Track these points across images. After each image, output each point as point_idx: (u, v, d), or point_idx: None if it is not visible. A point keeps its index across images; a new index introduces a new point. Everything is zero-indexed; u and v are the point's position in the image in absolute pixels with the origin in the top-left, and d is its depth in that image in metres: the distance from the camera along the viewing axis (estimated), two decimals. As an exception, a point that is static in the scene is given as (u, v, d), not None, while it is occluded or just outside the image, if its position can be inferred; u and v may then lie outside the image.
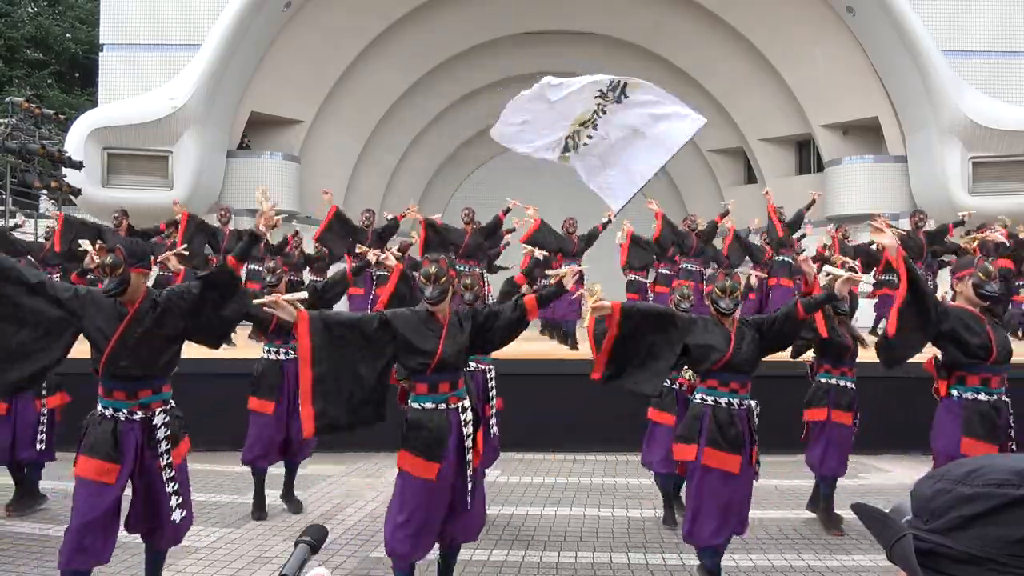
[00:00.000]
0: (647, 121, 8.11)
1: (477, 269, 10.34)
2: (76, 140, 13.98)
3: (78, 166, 12.91)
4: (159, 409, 4.15)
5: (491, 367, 6.30)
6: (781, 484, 7.37)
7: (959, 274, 4.77)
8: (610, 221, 10.57)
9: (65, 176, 13.05)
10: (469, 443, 4.19)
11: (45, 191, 13.14)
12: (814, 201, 11.34)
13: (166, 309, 4.08)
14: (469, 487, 4.19)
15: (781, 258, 11.45)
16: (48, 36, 25.18)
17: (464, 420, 4.20)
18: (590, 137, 7.93)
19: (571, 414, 8.73)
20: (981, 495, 0.80)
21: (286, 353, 6.19)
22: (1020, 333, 11.36)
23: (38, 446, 6.22)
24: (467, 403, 4.26)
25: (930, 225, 11.39)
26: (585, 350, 9.34)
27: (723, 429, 4.49)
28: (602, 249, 11.48)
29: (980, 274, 4.57)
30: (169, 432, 4.15)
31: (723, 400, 4.56)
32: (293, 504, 6.48)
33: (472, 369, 5.93)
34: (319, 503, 6.76)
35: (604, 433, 8.18)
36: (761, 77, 17.53)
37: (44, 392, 6.29)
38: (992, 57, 15.71)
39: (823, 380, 5.98)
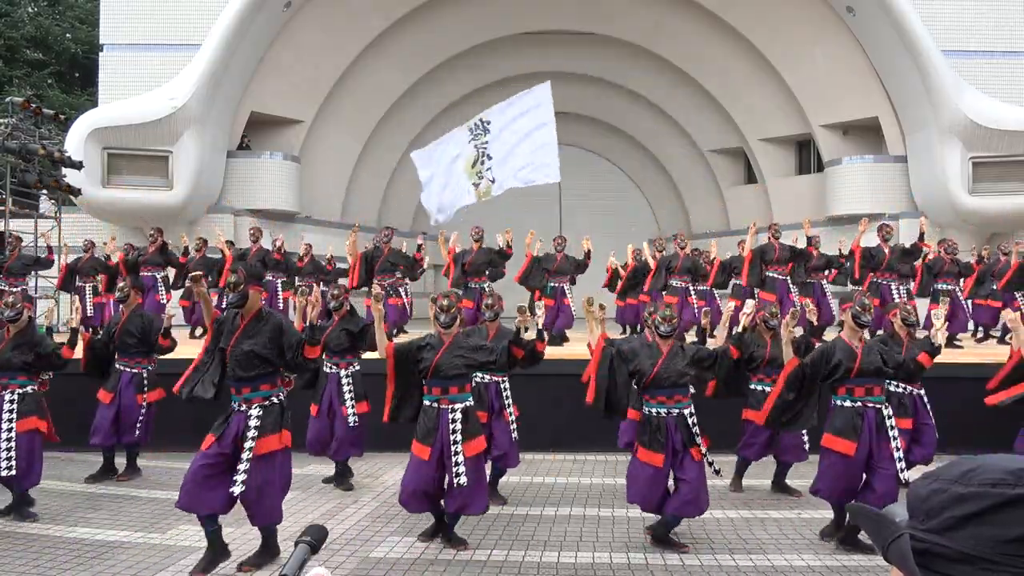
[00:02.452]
0: (517, 123, 9.31)
1: (485, 285, 10.68)
2: (76, 140, 13.98)
3: (78, 166, 12.91)
4: (256, 404, 5.09)
5: (504, 378, 6.82)
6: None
7: (844, 306, 5.80)
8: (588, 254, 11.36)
9: (65, 176, 13.04)
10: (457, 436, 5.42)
11: (45, 191, 13.13)
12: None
13: (271, 333, 5.12)
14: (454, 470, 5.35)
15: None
16: (48, 36, 25.17)
17: (452, 419, 5.42)
18: (489, 162, 9.11)
19: (571, 414, 8.73)
20: (976, 494, 0.80)
21: (330, 369, 7.28)
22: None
23: (137, 432, 7.47)
24: (458, 406, 5.45)
25: (920, 228, 11.58)
26: (580, 350, 9.35)
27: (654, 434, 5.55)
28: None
29: (858, 307, 5.60)
30: (259, 423, 5.04)
31: (653, 411, 5.56)
32: (344, 483, 7.32)
33: (486, 381, 6.68)
34: (319, 503, 6.77)
35: (604, 433, 8.17)
36: (761, 77, 17.53)
37: (145, 388, 7.53)
38: (992, 57, 15.71)
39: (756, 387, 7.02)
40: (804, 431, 6.67)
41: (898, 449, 5.51)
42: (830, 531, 5.79)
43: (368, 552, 5.48)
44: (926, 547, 0.81)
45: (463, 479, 5.32)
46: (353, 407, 7.14)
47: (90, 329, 12.05)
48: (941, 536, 0.81)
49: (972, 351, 10.67)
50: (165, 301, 11.76)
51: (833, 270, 11.81)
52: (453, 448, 5.37)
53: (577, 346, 10.57)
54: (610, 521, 6.28)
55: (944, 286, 11.14)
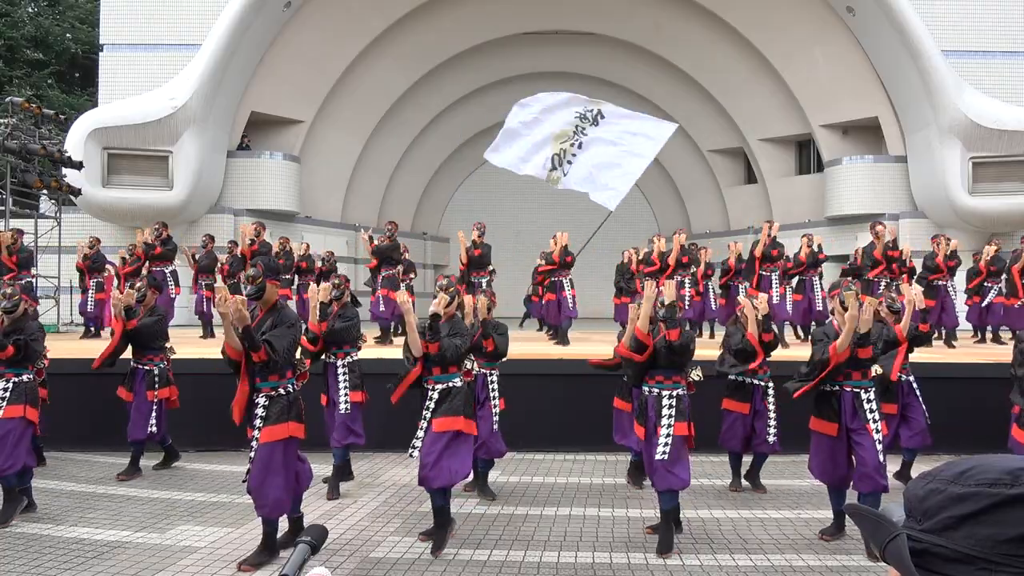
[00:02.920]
0: (624, 135, 8.89)
1: (484, 280, 10.91)
2: (76, 140, 13.99)
3: (78, 166, 12.92)
4: (263, 393, 5.26)
5: (493, 371, 6.81)
6: (779, 484, 7.39)
7: (832, 293, 6.08)
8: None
9: (65, 176, 13.05)
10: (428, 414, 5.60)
11: (45, 191, 13.14)
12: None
13: (275, 326, 5.21)
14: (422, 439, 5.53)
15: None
16: (48, 36, 25.17)
17: (430, 397, 5.62)
18: (574, 156, 8.70)
19: (571, 414, 8.73)
20: (973, 494, 0.80)
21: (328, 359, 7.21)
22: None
23: (150, 429, 7.50)
24: (439, 386, 5.60)
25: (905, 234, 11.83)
26: (580, 350, 9.35)
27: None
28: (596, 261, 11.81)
29: (845, 292, 5.82)
30: (264, 413, 5.21)
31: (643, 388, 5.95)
32: (334, 491, 7.02)
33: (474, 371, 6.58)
34: (319, 503, 6.77)
35: (604, 433, 8.17)
36: (761, 77, 17.53)
37: (156, 385, 7.57)
38: (992, 57, 15.71)
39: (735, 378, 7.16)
40: (775, 425, 7.01)
41: (877, 432, 5.61)
42: (831, 531, 5.82)
43: (368, 552, 5.48)
44: (924, 547, 0.81)
45: (417, 452, 5.47)
46: (346, 395, 7.14)
47: (92, 327, 12.13)
48: (938, 536, 0.81)
49: (970, 351, 10.68)
50: (175, 295, 11.85)
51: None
52: (422, 424, 5.55)
53: (578, 346, 10.57)
54: (610, 521, 6.28)
55: (936, 282, 11.22)
